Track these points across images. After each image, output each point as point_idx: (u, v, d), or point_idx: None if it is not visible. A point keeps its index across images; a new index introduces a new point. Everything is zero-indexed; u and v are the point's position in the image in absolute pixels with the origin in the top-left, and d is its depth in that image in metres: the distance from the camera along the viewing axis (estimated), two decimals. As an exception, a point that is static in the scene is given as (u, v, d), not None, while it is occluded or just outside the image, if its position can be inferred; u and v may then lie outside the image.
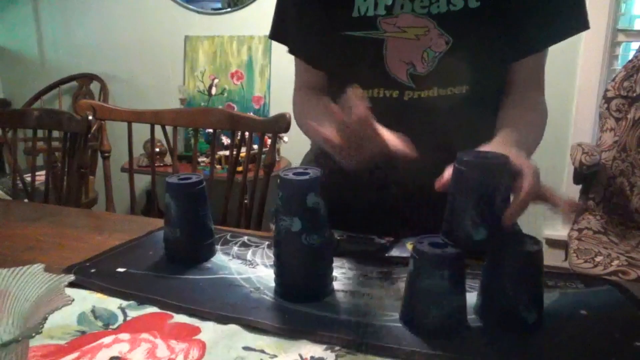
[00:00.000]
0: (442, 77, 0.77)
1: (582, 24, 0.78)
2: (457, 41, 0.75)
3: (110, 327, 0.57)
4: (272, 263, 0.66)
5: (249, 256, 0.77)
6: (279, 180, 0.63)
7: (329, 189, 0.90)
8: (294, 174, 0.62)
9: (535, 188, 0.56)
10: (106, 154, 1.58)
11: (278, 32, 0.93)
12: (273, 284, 0.66)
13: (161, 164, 2.48)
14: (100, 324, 0.58)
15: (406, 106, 0.79)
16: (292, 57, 0.94)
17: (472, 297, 0.63)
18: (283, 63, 2.43)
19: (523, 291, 0.57)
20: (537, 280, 0.58)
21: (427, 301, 0.56)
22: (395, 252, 0.76)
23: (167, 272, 0.71)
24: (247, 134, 1.37)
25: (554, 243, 2.35)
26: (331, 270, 0.66)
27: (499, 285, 0.58)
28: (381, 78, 0.79)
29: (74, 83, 3.04)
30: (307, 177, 0.62)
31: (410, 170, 0.80)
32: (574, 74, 2.28)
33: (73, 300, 0.43)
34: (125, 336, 0.55)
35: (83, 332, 0.56)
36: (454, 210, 0.58)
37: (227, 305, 0.61)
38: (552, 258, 2.22)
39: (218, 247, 0.80)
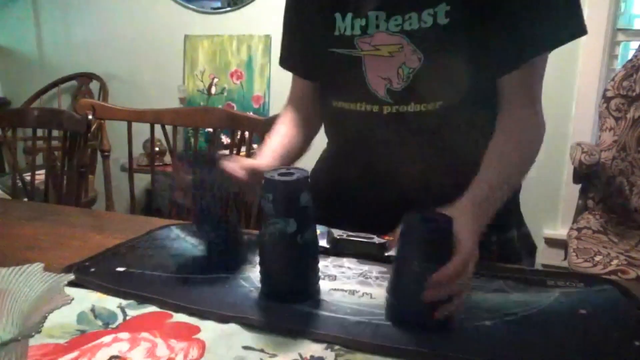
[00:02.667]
0: (417, 92, 0.78)
1: (570, 33, 0.74)
2: (428, 57, 0.76)
3: (110, 326, 0.57)
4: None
5: (248, 255, 0.76)
6: (264, 182, 0.62)
7: (329, 188, 0.91)
8: (281, 174, 0.62)
9: (457, 269, 0.55)
10: (106, 153, 1.59)
11: (282, 58, 0.98)
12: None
13: (161, 164, 2.49)
14: (99, 323, 0.58)
15: (386, 120, 0.81)
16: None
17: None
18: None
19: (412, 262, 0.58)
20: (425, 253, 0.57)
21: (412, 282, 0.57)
22: (395, 252, 0.76)
23: (166, 272, 0.71)
24: (247, 133, 1.37)
25: (553, 242, 2.35)
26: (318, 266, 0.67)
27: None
28: (363, 93, 0.82)
29: (74, 82, 3.04)
30: (296, 177, 0.61)
31: (408, 172, 0.81)
32: (573, 73, 2.28)
33: (72, 299, 0.43)
34: (125, 335, 0.55)
35: (83, 332, 0.56)
36: (398, 272, 0.60)
37: (227, 305, 0.61)
38: (551, 257, 2.22)
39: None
